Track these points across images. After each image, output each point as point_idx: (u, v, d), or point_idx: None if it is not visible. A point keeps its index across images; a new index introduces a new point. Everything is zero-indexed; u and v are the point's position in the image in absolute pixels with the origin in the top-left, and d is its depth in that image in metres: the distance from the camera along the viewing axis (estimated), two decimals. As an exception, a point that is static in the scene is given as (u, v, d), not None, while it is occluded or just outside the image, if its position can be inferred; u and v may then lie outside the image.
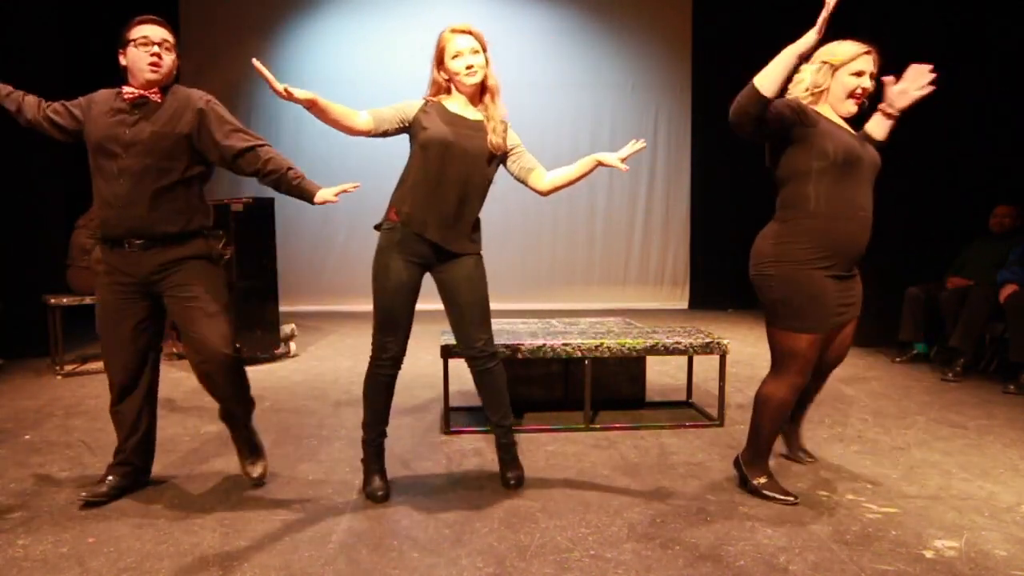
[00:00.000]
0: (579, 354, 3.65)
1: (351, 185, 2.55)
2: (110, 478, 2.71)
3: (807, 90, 2.65)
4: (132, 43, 2.59)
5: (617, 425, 3.68)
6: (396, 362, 2.76)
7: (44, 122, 2.66)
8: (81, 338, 5.58)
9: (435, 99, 2.74)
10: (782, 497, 2.72)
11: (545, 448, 3.37)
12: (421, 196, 2.66)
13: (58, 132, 2.66)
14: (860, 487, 2.90)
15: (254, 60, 2.40)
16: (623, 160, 2.65)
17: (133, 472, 2.77)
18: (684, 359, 4.35)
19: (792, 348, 2.62)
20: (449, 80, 2.72)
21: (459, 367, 4.74)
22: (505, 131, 2.77)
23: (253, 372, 4.98)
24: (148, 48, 2.59)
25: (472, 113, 2.73)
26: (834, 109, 2.67)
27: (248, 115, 8.27)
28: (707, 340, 3.72)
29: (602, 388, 3.91)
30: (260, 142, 2.69)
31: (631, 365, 4.06)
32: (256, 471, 2.87)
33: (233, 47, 8.18)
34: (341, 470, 3.07)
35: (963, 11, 5.59)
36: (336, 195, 2.56)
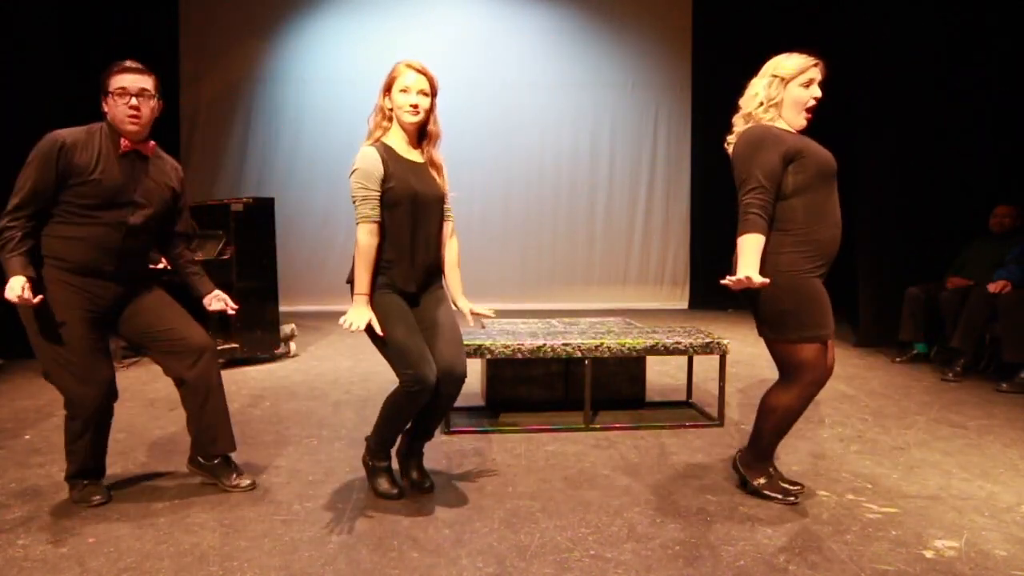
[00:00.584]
0: (579, 354, 3.65)
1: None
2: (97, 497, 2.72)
3: (761, 104, 2.65)
4: (111, 94, 2.55)
5: (617, 425, 3.68)
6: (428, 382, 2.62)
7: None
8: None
9: (379, 142, 2.65)
10: (782, 497, 2.72)
11: (545, 448, 3.38)
12: (397, 254, 2.62)
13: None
14: (860, 487, 2.90)
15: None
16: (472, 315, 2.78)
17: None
18: (684, 359, 4.35)
19: (804, 359, 2.59)
20: (391, 111, 2.66)
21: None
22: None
23: (253, 372, 5.02)
24: (126, 100, 2.53)
25: (415, 155, 2.71)
26: (787, 123, 2.66)
27: (248, 115, 8.28)
28: (707, 340, 3.72)
29: (602, 388, 3.91)
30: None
31: (631, 365, 4.06)
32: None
33: (233, 47, 8.18)
34: (341, 470, 3.07)
35: (963, 11, 5.59)
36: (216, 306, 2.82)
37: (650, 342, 3.70)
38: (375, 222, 2.58)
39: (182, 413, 2.90)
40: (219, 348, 5.06)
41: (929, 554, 2.33)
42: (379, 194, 2.58)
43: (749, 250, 2.51)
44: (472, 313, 2.80)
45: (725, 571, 2.21)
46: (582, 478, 3.00)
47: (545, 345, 3.63)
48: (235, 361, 5.15)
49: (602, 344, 3.66)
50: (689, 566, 2.24)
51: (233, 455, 2.93)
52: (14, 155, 2.85)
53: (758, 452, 2.79)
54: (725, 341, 3.75)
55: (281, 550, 2.34)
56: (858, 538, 2.44)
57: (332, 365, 5.30)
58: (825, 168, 2.60)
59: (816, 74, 2.63)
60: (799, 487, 2.79)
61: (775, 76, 2.64)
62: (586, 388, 3.68)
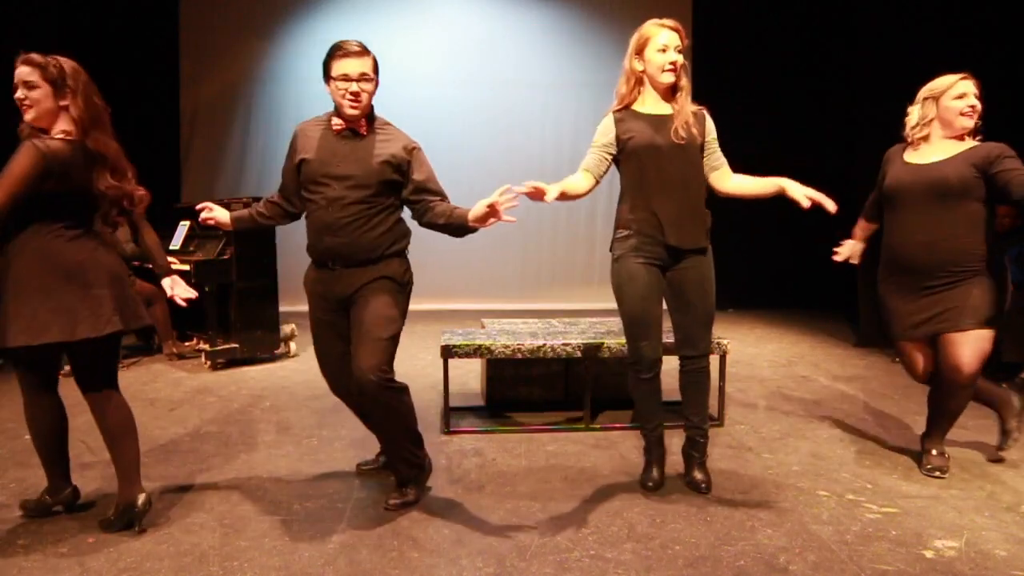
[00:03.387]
0: (579, 354, 3.65)
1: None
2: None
3: (915, 125, 2.99)
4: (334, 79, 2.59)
5: (617, 425, 3.68)
6: (654, 365, 2.80)
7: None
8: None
9: (625, 109, 2.80)
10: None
11: (545, 448, 3.38)
12: (643, 201, 2.72)
13: None
14: (860, 487, 2.90)
15: None
16: (811, 200, 2.59)
17: None
18: (684, 359, 4.34)
19: (901, 354, 3.17)
20: (643, 73, 2.77)
21: (459, 367, 4.76)
22: (697, 123, 2.79)
23: (253, 372, 5.01)
24: (347, 85, 2.57)
25: (663, 108, 2.78)
26: (948, 132, 2.95)
27: (247, 115, 8.28)
28: (707, 340, 3.72)
29: (602, 388, 3.91)
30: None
31: (631, 365, 4.06)
32: (394, 500, 2.72)
33: (233, 47, 8.18)
34: (341, 470, 3.07)
35: (963, 13, 5.58)
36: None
37: (650, 342, 3.69)
38: (591, 172, 2.77)
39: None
40: (219, 348, 5.06)
41: (929, 554, 2.33)
42: (607, 156, 2.79)
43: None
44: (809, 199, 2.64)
45: (725, 571, 2.21)
46: (582, 478, 3.00)
47: (545, 345, 3.63)
48: (235, 361, 5.15)
49: (602, 344, 3.66)
50: (689, 566, 2.24)
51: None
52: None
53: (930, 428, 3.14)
54: (725, 341, 3.74)
55: (281, 550, 2.34)
56: (858, 538, 2.44)
57: (332, 365, 5.29)
58: (889, 191, 3.00)
59: (966, 87, 2.92)
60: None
61: (927, 98, 2.98)
62: (586, 388, 3.68)
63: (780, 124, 7.86)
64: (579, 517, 2.59)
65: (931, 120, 2.97)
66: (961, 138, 2.94)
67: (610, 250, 2.83)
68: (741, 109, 6.84)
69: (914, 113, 3.02)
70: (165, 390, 4.44)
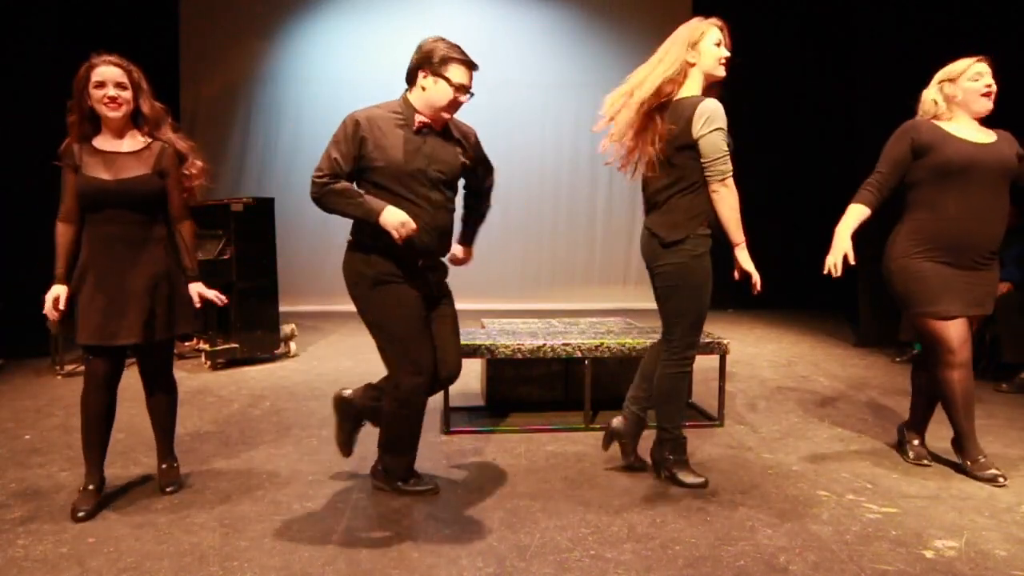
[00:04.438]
0: (579, 354, 3.64)
1: None
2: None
3: (935, 103, 2.99)
4: (444, 77, 2.65)
5: (617, 425, 3.67)
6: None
7: None
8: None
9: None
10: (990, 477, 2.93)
11: (545, 448, 3.37)
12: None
13: None
14: (860, 487, 2.90)
15: None
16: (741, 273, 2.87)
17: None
18: (684, 359, 4.34)
19: (928, 332, 2.95)
20: (692, 65, 2.77)
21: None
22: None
23: (253, 372, 5.01)
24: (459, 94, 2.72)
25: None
26: (969, 114, 2.96)
27: (248, 115, 8.28)
28: (707, 340, 3.72)
29: (602, 388, 3.90)
30: None
31: (631, 365, 4.04)
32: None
33: (233, 47, 8.18)
34: (341, 470, 3.07)
35: (964, 13, 5.58)
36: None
37: (650, 342, 3.69)
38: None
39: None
40: (219, 348, 5.06)
41: (929, 554, 2.33)
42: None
43: (848, 215, 3.01)
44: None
45: (725, 571, 2.21)
46: (582, 478, 3.00)
47: (545, 345, 3.63)
48: (235, 361, 5.15)
49: (602, 344, 3.66)
50: (689, 566, 2.24)
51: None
52: (14, 154, 2.88)
53: (957, 435, 3.03)
54: (725, 341, 3.75)
55: (281, 550, 2.34)
56: (858, 538, 2.44)
57: (332, 365, 5.30)
58: (958, 165, 2.86)
59: (982, 68, 2.95)
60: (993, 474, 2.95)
61: (942, 81, 2.99)
62: (586, 388, 3.68)
63: (780, 124, 7.87)
64: (579, 517, 2.59)
65: (955, 101, 2.96)
66: (980, 121, 2.97)
67: (682, 243, 2.80)
68: (741, 109, 6.84)
69: (929, 97, 3.01)
70: (165, 390, 4.44)
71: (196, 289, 2.76)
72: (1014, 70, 3.33)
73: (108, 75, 2.56)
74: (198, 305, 2.78)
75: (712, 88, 2.83)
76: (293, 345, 5.62)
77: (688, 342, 2.86)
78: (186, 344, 5.53)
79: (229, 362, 5.11)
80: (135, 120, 2.67)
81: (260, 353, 5.30)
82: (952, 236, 2.88)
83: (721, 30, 2.83)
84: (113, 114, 2.58)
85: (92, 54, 2.61)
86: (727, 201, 2.73)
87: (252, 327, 5.21)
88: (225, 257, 5.11)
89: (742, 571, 2.21)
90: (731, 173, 2.72)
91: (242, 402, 4.20)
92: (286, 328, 5.57)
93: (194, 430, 3.62)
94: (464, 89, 2.64)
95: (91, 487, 2.66)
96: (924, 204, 2.95)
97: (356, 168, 2.63)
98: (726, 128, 2.69)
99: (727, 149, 2.70)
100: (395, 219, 2.52)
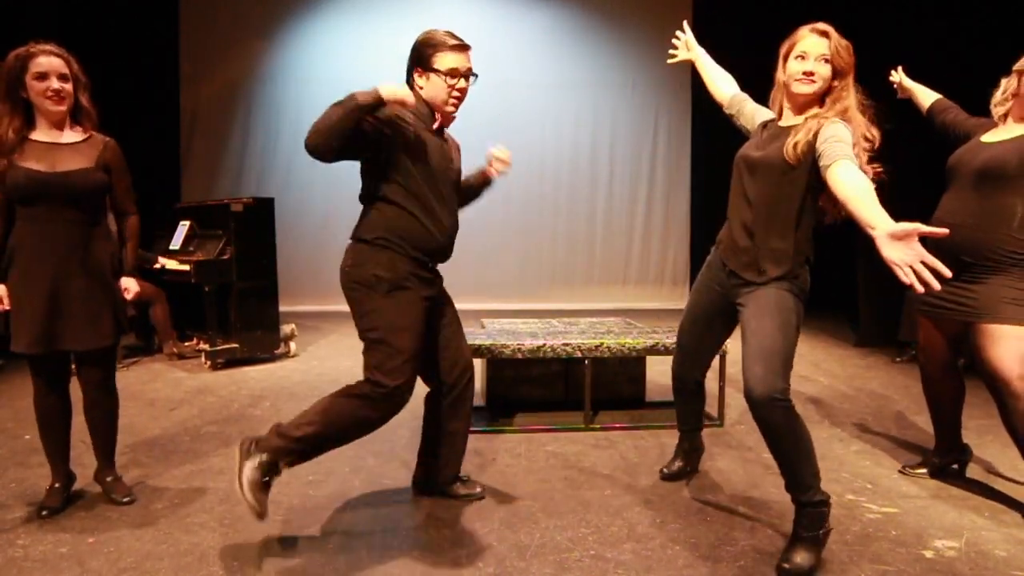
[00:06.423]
0: (579, 354, 3.65)
1: None
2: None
3: (1003, 94, 2.73)
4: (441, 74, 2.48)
5: (617, 425, 3.68)
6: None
7: None
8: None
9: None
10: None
11: (545, 448, 3.37)
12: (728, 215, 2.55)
13: None
14: (860, 487, 2.90)
15: None
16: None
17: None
18: (684, 359, 4.34)
19: None
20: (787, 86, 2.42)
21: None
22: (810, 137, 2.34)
23: (253, 372, 5.01)
24: (455, 81, 2.52)
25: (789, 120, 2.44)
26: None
27: (248, 115, 8.28)
28: (707, 340, 3.71)
29: (602, 388, 3.91)
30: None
31: (631, 365, 4.06)
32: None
33: (233, 47, 8.18)
34: (341, 470, 3.07)
35: (966, 13, 5.58)
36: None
37: (650, 342, 3.70)
38: (734, 99, 2.84)
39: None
40: (219, 348, 5.06)
41: (929, 554, 2.33)
42: (743, 118, 2.77)
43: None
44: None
45: (725, 571, 2.21)
46: (582, 478, 3.00)
47: (545, 345, 3.63)
48: (235, 361, 5.15)
49: (602, 344, 3.66)
50: (689, 566, 2.24)
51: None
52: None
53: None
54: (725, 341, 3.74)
55: (281, 550, 2.34)
56: (858, 538, 2.44)
57: (332, 365, 5.30)
58: (952, 166, 2.77)
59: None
60: None
61: (1015, 71, 2.68)
62: (586, 388, 3.68)
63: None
64: (579, 517, 2.59)
65: (1011, 95, 2.65)
66: None
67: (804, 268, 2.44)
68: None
69: (1002, 87, 2.72)
70: (165, 390, 4.44)
71: (126, 283, 2.61)
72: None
73: (50, 66, 2.35)
74: (129, 298, 2.63)
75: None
76: (293, 345, 5.62)
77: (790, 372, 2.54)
78: (186, 344, 5.53)
79: (229, 362, 5.11)
80: (73, 115, 2.48)
81: (260, 353, 5.30)
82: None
83: (820, 33, 2.58)
84: (56, 108, 2.39)
85: (31, 42, 2.39)
86: None
87: (252, 327, 5.21)
88: (225, 257, 5.11)
89: (742, 571, 2.21)
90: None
91: (242, 402, 4.20)
92: (286, 328, 5.58)
93: (194, 430, 3.61)
94: (455, 72, 2.47)
95: (57, 485, 2.66)
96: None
97: (378, 157, 2.41)
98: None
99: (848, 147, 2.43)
100: (396, 86, 2.27)
